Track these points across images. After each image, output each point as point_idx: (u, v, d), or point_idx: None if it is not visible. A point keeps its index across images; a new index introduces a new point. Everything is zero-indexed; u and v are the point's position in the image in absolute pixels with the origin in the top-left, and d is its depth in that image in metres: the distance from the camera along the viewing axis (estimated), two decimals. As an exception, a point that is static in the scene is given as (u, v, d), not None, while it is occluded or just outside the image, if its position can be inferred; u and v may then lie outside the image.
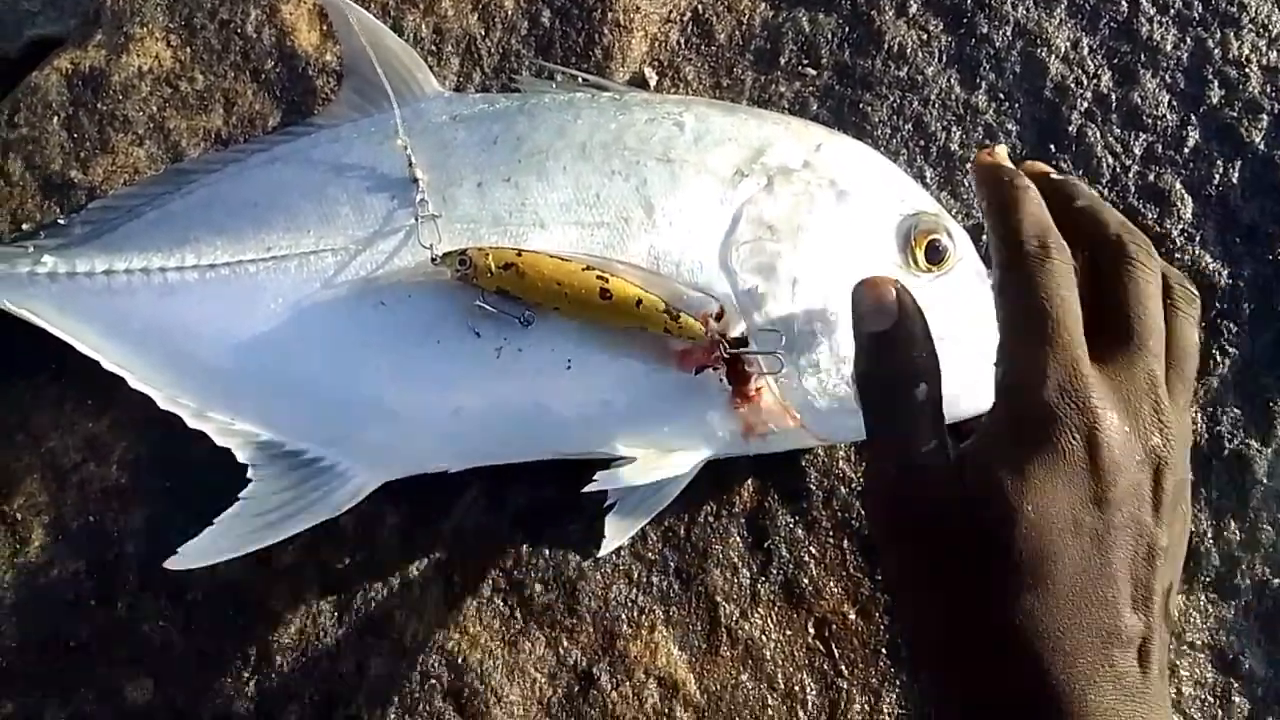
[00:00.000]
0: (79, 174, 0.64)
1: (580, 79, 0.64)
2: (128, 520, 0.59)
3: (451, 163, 0.59)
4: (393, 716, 0.58)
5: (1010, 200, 0.45)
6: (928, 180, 0.66)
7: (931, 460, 0.42)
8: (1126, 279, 0.44)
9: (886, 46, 0.68)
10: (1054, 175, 0.50)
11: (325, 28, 0.68)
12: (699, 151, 0.59)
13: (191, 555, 0.54)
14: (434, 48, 0.68)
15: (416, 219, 0.57)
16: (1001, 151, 0.49)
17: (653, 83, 0.69)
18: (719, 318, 0.55)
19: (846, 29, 0.69)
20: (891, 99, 0.67)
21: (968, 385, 0.51)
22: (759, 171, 0.58)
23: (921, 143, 0.66)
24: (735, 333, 0.55)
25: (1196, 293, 0.48)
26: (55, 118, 0.65)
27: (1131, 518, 0.41)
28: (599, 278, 0.54)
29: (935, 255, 0.58)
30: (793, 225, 0.57)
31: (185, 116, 0.66)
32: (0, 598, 0.58)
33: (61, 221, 0.62)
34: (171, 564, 0.54)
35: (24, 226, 0.64)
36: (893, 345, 0.44)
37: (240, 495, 0.55)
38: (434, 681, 0.59)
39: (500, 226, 0.57)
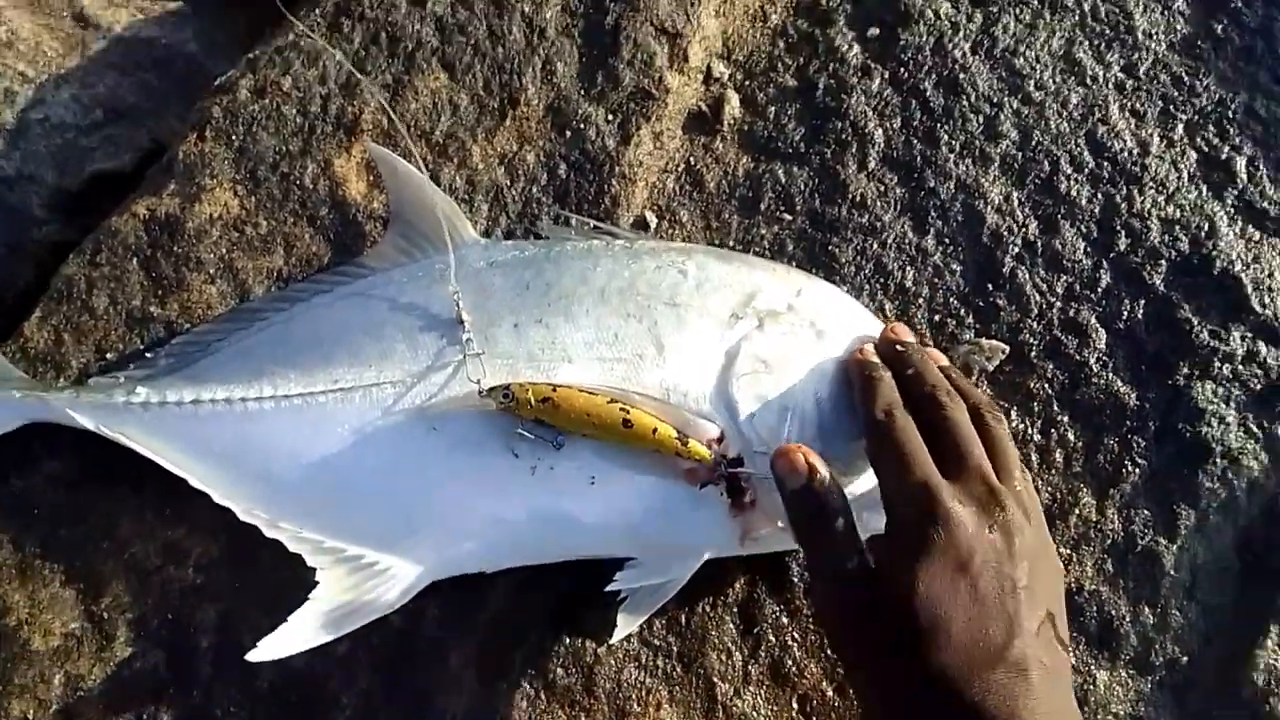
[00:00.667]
0: (157, 309, 0.74)
1: (592, 225, 0.76)
2: (203, 616, 0.68)
3: (491, 305, 0.70)
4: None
5: (869, 384, 0.64)
6: (887, 312, 0.78)
7: (853, 571, 0.58)
8: (944, 420, 0.61)
9: (850, 196, 0.80)
10: (899, 348, 0.67)
11: (372, 178, 0.78)
12: (700, 296, 0.70)
13: (269, 649, 0.63)
14: (466, 196, 0.79)
15: (464, 356, 0.68)
16: (902, 329, 0.68)
17: (653, 224, 0.80)
18: (720, 440, 0.66)
19: (816, 180, 0.81)
20: (855, 242, 0.79)
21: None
22: (751, 314, 0.70)
23: (881, 279, 0.79)
24: (733, 453, 0.66)
25: (999, 407, 0.67)
26: (134, 258, 0.75)
27: (994, 571, 0.56)
28: (621, 409, 0.65)
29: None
30: (781, 361, 0.68)
31: (251, 257, 0.75)
32: (90, 689, 0.66)
33: (148, 355, 0.71)
34: (252, 656, 0.62)
35: (108, 356, 0.73)
36: (809, 495, 0.60)
37: (310, 595, 0.64)
38: (473, 755, 0.68)
39: (534, 362, 0.68)
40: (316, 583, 0.65)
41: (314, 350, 0.69)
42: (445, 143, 0.79)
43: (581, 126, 0.80)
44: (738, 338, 0.69)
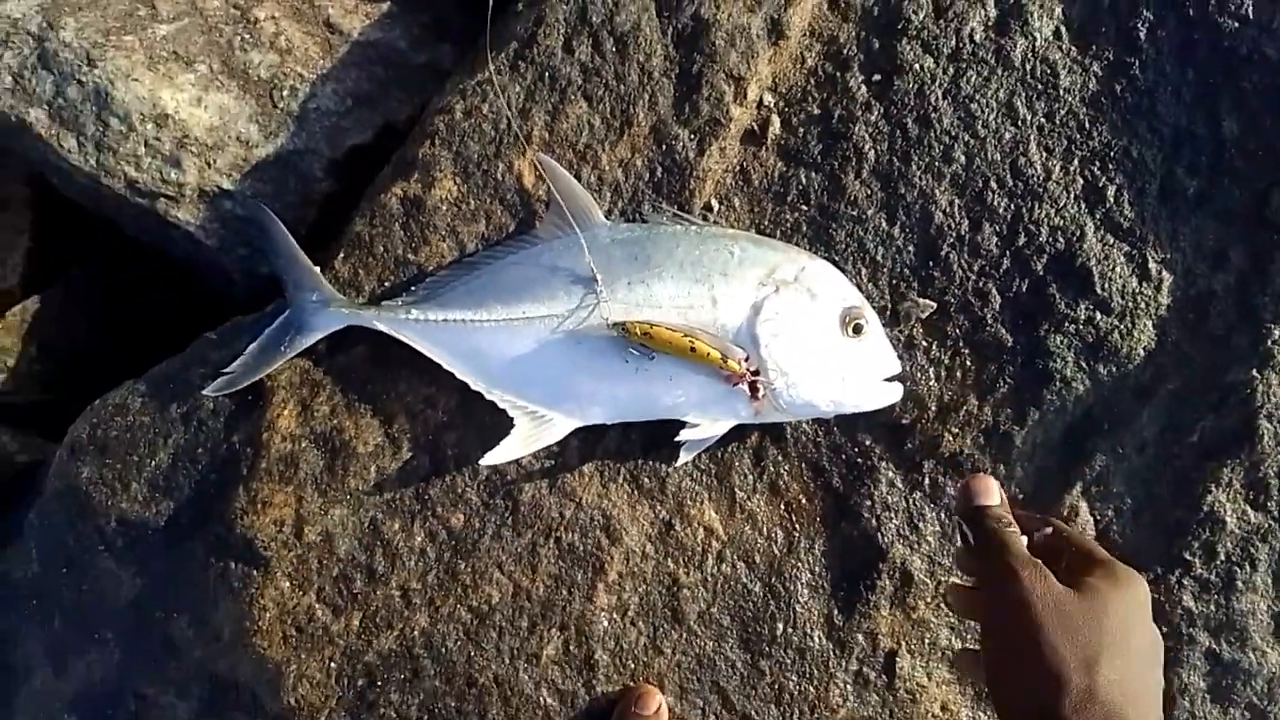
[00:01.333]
0: (412, 256, 1.21)
1: (673, 212, 1.20)
2: (449, 438, 1.19)
3: (613, 269, 1.16)
4: (576, 538, 1.20)
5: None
6: (862, 276, 1.22)
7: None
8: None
9: (847, 196, 1.23)
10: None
11: (539, 175, 1.23)
12: (741, 269, 1.16)
13: (491, 457, 1.14)
14: (597, 189, 1.23)
15: (598, 302, 1.15)
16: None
17: (716, 209, 1.24)
18: (747, 359, 1.14)
19: (826, 183, 1.24)
20: (847, 228, 1.23)
21: (871, 393, 1.13)
22: (772, 282, 1.15)
23: (861, 255, 1.22)
24: (753, 367, 1.14)
25: None
26: (396, 223, 1.22)
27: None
28: (689, 340, 1.12)
29: (858, 330, 1.15)
30: (789, 313, 1.14)
31: (465, 225, 1.22)
32: (388, 476, 1.19)
33: (412, 288, 1.19)
34: (483, 461, 1.14)
35: (385, 284, 1.21)
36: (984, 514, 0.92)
37: (510, 431, 1.15)
38: (595, 521, 1.20)
39: (639, 308, 1.15)
40: (514, 425, 1.16)
41: (510, 291, 1.17)
42: (585, 151, 1.23)
43: (673, 142, 1.23)
44: (762, 297, 1.15)
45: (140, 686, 1.21)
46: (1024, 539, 0.92)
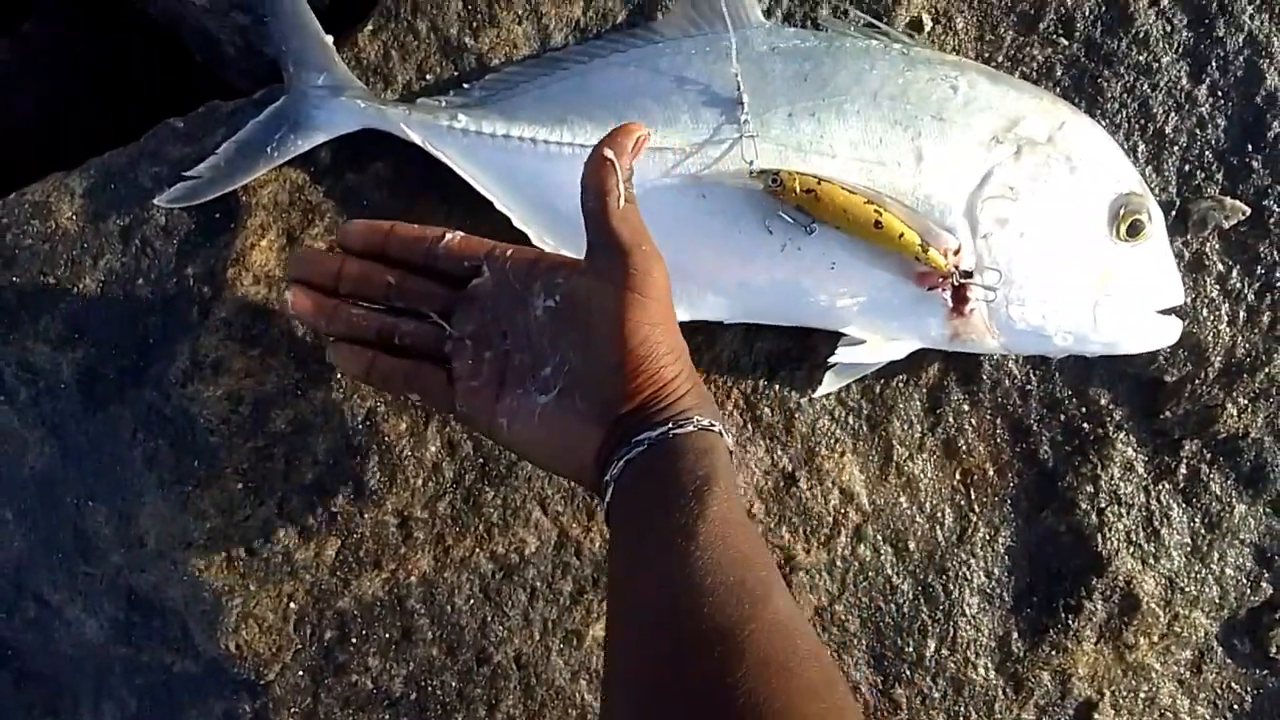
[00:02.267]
0: (470, 40, 0.82)
1: (866, 22, 0.79)
2: (488, 313, 0.82)
3: (769, 91, 0.76)
4: (657, 482, 0.83)
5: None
6: (1139, 154, 0.80)
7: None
8: None
9: (1134, 31, 0.81)
10: None
11: (670, -61, 0.82)
12: (966, 115, 0.75)
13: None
14: (755, -29, 0.82)
15: (740, 136, 0.75)
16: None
17: (927, 27, 0.83)
18: (956, 253, 0.74)
19: (1102, 8, 0.81)
20: (1126, 79, 0.81)
21: (1132, 329, 0.72)
22: (1011, 140, 0.74)
23: (1141, 120, 0.81)
24: (965, 266, 0.74)
25: None
26: (454, -12, 0.83)
27: None
28: (875, 210, 0.72)
29: (1135, 230, 0.75)
30: (1030, 190, 0.74)
31: (554, 4, 0.82)
32: (399, 352, 0.83)
33: (465, 86, 0.80)
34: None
35: (427, 77, 0.83)
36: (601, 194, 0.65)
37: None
38: (687, 464, 0.83)
39: (801, 152, 0.75)
40: (587, 305, 0.78)
41: (607, 106, 0.77)
42: (745, -88, 0.82)
43: (880, -87, 0.81)
44: (994, 162, 0.74)
45: (41, 588, 0.88)
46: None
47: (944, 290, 0.75)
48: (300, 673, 0.83)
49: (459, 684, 0.83)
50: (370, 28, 0.83)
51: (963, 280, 0.74)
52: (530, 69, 0.80)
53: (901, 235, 0.72)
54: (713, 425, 0.64)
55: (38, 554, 0.87)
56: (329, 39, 0.79)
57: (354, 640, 0.82)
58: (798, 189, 0.73)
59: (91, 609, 0.86)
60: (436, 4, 0.82)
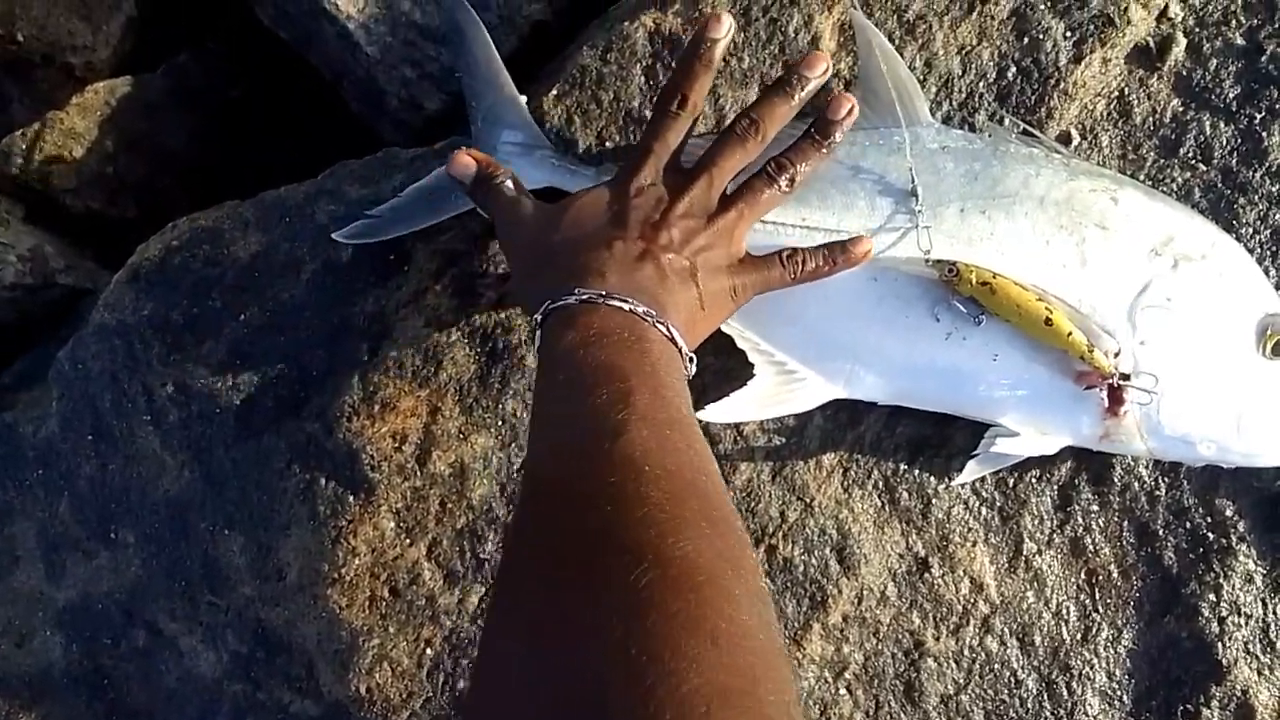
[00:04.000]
0: (649, 113, 0.86)
1: (1022, 129, 0.84)
2: (645, 375, 0.84)
3: (942, 187, 0.80)
4: (797, 552, 0.84)
5: (693, 64, 0.76)
6: (1272, 277, 0.85)
7: (526, 201, 0.77)
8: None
9: (1269, 164, 0.86)
10: None
11: (843, 39, 0.87)
12: (1128, 225, 0.79)
13: (714, 413, 0.79)
14: (922, 76, 0.87)
15: (916, 225, 0.79)
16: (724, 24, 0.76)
17: (1074, 141, 0.88)
18: (1116, 355, 0.78)
19: (1239, 140, 0.87)
20: (1260, 207, 0.86)
21: (1275, 444, 0.76)
22: (1169, 253, 0.79)
23: (1273, 248, 0.86)
24: (1125, 368, 0.78)
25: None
26: (638, 64, 0.87)
27: (645, 203, 0.73)
28: (1046, 308, 0.76)
29: (1279, 350, 0.79)
30: (1185, 302, 0.78)
31: (730, 87, 0.87)
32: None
33: (647, 154, 0.84)
34: (703, 415, 0.78)
35: (606, 144, 0.86)
36: (480, 178, 0.77)
37: (747, 383, 0.80)
38: (827, 536, 0.84)
39: (971, 246, 0.79)
40: (753, 375, 0.80)
41: (788, 187, 0.81)
42: (915, 23, 0.87)
43: (1040, 36, 0.87)
44: (1153, 273, 0.79)
45: (155, 616, 0.87)
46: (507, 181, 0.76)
47: (1101, 390, 0.78)
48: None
49: (584, 745, 0.82)
50: (556, 92, 0.87)
51: (1122, 383, 0.77)
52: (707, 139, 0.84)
53: (1070, 334, 0.76)
54: (580, 297, 0.66)
55: (158, 580, 0.86)
56: (523, 98, 0.83)
57: (484, 691, 0.82)
58: (974, 280, 0.77)
59: (212, 641, 0.85)
60: (621, 76, 0.87)
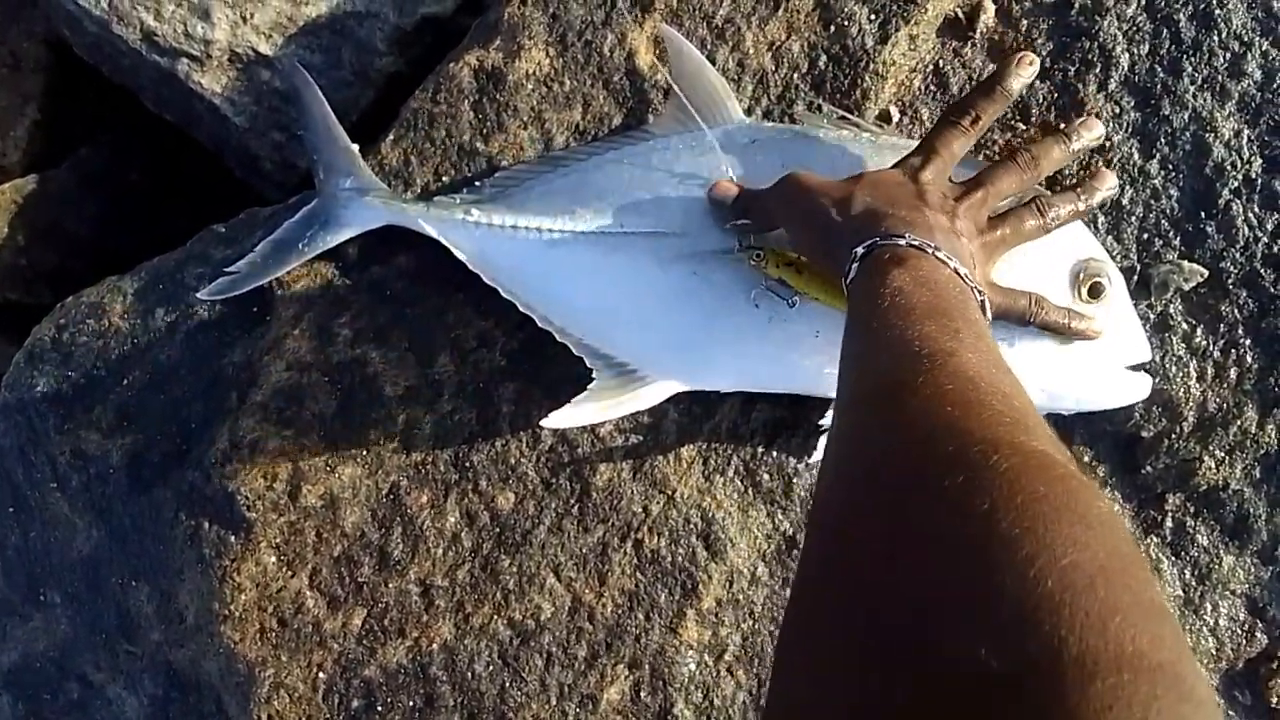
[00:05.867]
0: (481, 145, 0.91)
1: (839, 115, 0.87)
2: (504, 390, 0.89)
3: (752, 180, 0.84)
4: (663, 543, 0.87)
5: (991, 91, 0.80)
6: (1099, 226, 0.87)
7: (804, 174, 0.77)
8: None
9: (1085, 114, 0.88)
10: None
11: (659, 51, 0.91)
12: (932, 193, 0.82)
13: (554, 420, 0.82)
14: (736, 77, 0.91)
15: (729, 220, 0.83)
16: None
17: (895, 119, 0.90)
18: (930, 318, 0.80)
19: (1055, 95, 0.89)
20: (1082, 158, 0.88)
21: (1102, 386, 0.77)
22: (974, 215, 0.81)
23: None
24: (940, 330, 0.80)
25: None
26: (466, 100, 0.92)
27: (934, 198, 0.73)
28: (852, 282, 0.79)
29: (1095, 292, 0.80)
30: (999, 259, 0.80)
31: (556, 111, 0.91)
32: (422, 429, 0.88)
33: (476, 184, 0.89)
34: (544, 423, 0.82)
35: (444, 179, 0.92)
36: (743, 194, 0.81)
37: (587, 388, 0.84)
38: (692, 524, 0.87)
39: (782, 235, 0.82)
40: (592, 379, 0.84)
41: (605, 197, 0.85)
42: (723, 27, 0.91)
43: (845, 23, 0.90)
44: (960, 233, 0.81)
45: (84, 668, 0.93)
46: None
47: (922, 354, 0.80)
48: (327, 742, 0.86)
49: (479, 750, 0.86)
50: (392, 136, 0.92)
51: (938, 343, 0.79)
52: (535, 167, 0.88)
53: (878, 304, 0.78)
54: (911, 242, 0.68)
55: (82, 635, 0.93)
56: (354, 147, 0.88)
57: (379, 708, 0.86)
58: (779, 262, 0.80)
59: (132, 686, 0.91)
60: (451, 114, 0.92)
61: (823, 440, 0.84)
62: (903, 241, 0.67)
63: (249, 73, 1.03)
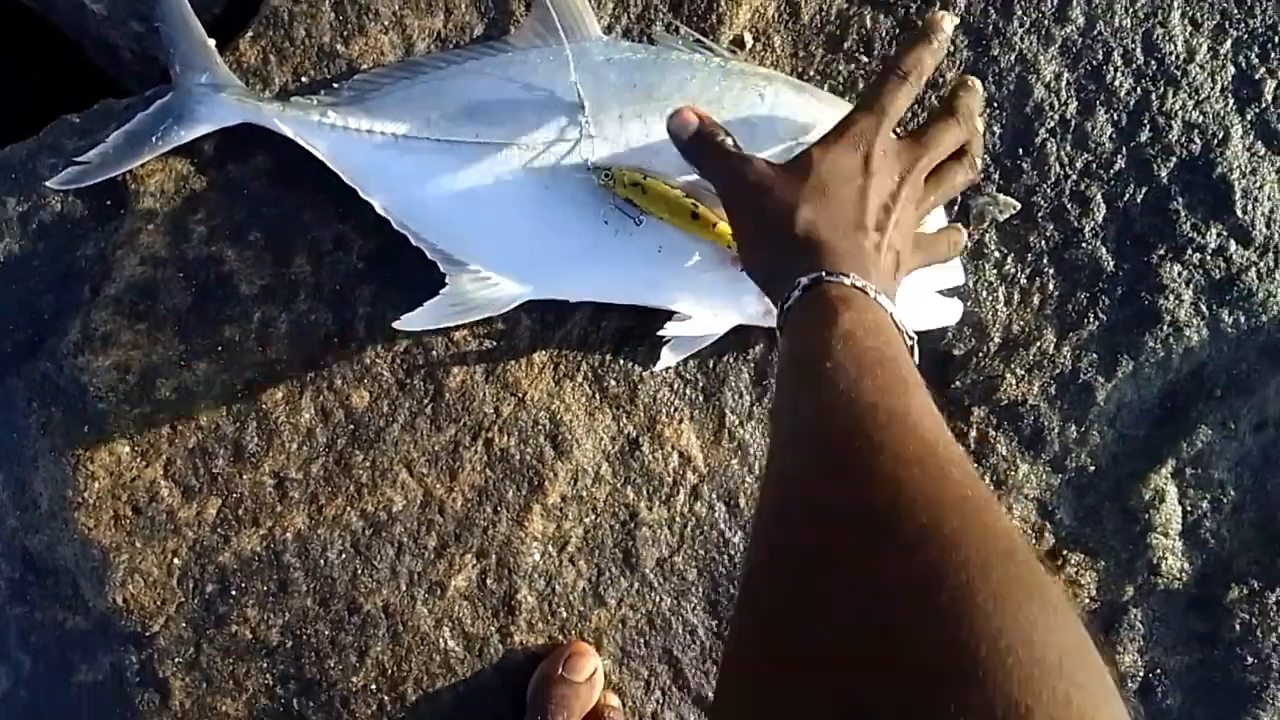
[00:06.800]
0: (342, 47, 0.92)
1: (694, 38, 0.90)
2: (360, 293, 0.91)
3: (604, 98, 0.87)
4: (513, 443, 0.92)
5: (917, 46, 0.77)
6: (929, 157, 0.93)
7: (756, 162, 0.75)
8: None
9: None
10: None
11: (523, -37, 0.93)
12: (771, 120, 0.86)
13: (407, 321, 0.86)
14: (599, -7, 0.93)
15: (580, 136, 0.86)
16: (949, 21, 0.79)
17: (748, 44, 0.94)
18: (763, 238, 0.85)
19: (897, 30, 0.94)
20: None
21: (920, 309, 0.84)
22: (807, 143, 0.86)
23: (931, 128, 0.93)
24: (772, 250, 0.85)
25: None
26: (326, 1, 0.92)
27: (881, 185, 0.73)
28: (692, 203, 0.83)
29: (915, 220, 0.87)
30: (824, 184, 0.85)
31: (417, 16, 0.92)
32: (277, 328, 0.91)
33: (334, 86, 0.90)
34: (397, 325, 0.86)
35: (303, 79, 0.92)
36: (701, 135, 0.78)
37: (440, 291, 0.87)
38: (540, 425, 0.93)
39: (631, 149, 0.86)
40: (445, 284, 0.87)
41: (463, 107, 0.87)
42: (590, -60, 0.93)
43: (707, -55, 0.93)
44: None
45: (-59, 555, 0.94)
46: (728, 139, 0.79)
47: (755, 271, 0.86)
48: (183, 624, 0.90)
49: (331, 632, 0.91)
50: (251, 34, 0.92)
51: (769, 262, 0.85)
52: (395, 72, 0.90)
53: (715, 225, 0.83)
54: (855, 284, 0.67)
55: (-62, 521, 0.93)
56: (211, 42, 0.88)
57: (233, 593, 0.90)
58: (626, 182, 0.84)
59: (-10, 571, 0.92)
60: (311, 14, 0.92)
61: (665, 351, 0.89)
62: (847, 281, 0.67)
63: (106, -42, 1.00)
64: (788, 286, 0.69)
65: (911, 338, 0.69)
